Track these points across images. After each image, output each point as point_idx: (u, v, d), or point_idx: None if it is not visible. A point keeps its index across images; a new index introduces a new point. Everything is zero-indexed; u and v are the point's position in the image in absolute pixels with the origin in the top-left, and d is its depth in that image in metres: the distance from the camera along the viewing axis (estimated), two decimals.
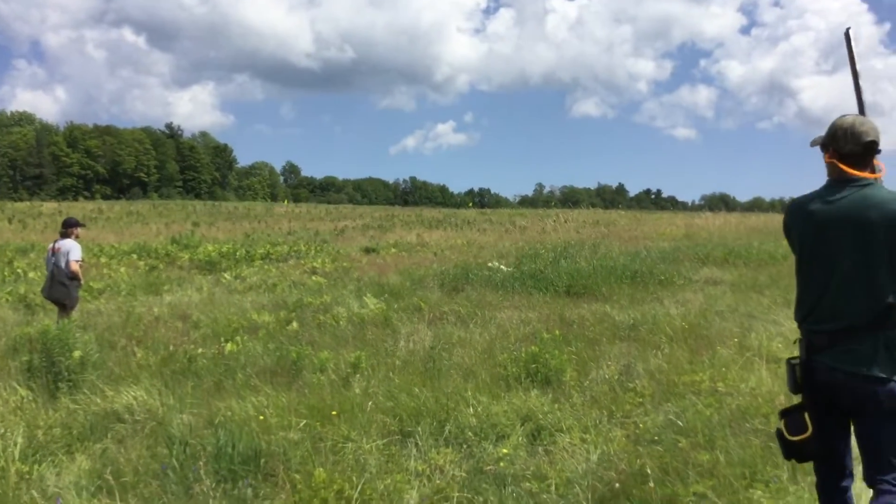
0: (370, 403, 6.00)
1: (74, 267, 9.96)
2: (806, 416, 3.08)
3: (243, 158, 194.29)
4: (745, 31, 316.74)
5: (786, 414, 3.20)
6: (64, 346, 6.65)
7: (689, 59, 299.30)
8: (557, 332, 8.56)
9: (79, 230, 10.64)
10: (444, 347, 8.47)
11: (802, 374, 3.12)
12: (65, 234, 10.38)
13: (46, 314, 11.48)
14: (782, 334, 8.52)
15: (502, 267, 16.84)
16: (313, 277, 16.28)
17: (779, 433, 3.19)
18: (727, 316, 9.99)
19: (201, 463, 4.30)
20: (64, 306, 10.15)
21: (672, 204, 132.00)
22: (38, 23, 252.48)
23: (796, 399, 3.25)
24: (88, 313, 11.31)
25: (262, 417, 5.50)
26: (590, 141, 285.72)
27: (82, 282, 10.57)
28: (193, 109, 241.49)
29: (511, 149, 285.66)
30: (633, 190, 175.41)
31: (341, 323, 10.33)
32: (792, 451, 3.15)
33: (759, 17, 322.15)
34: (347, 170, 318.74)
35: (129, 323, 10.01)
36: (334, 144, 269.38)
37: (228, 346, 8.36)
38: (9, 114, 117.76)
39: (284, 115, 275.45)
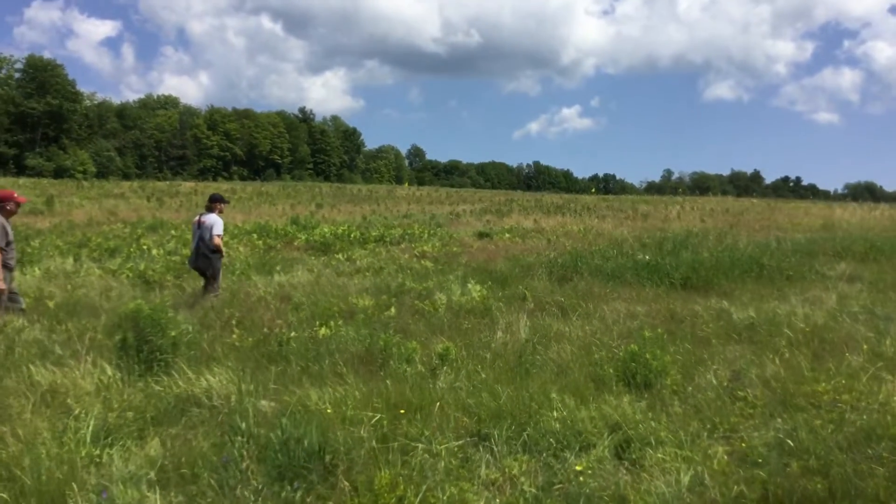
0: (449, 400, 5.69)
1: (217, 241, 10.63)
2: None
3: (371, 142, 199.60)
4: (895, 10, 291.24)
5: None
6: (156, 326, 6.71)
7: (833, 40, 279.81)
8: (661, 330, 7.91)
9: (223, 206, 11.22)
10: (539, 341, 8.04)
11: None
12: (210, 209, 11.04)
13: (164, 290, 11.94)
14: None
15: (646, 257, 16.01)
16: (421, 261, 16.15)
17: None
18: (861, 318, 8.97)
19: (246, 463, 4.11)
20: (208, 277, 10.80)
21: (812, 193, 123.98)
22: (183, 11, 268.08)
23: None
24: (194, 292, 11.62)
25: (333, 410, 5.29)
26: (723, 126, 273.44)
27: (224, 254, 11.18)
28: (326, 94, 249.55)
29: (638, 134, 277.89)
30: (770, 177, 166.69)
31: (440, 310, 10.07)
32: None
33: None
34: (471, 154, 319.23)
35: (234, 303, 10.15)
36: (459, 129, 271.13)
37: (322, 331, 8.28)
38: (155, 97, 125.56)
39: (412, 100, 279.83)
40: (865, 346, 7.30)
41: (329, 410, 5.39)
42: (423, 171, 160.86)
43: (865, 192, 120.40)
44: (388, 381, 6.18)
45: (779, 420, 5.25)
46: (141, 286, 12.15)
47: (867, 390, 5.89)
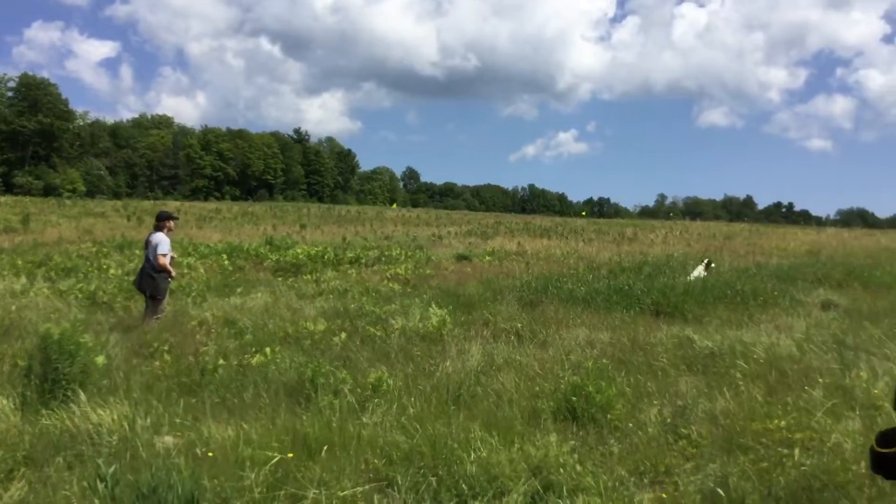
0: (367, 438, 5.21)
1: (161, 261, 10.23)
2: None
3: (369, 163, 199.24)
4: (888, 39, 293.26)
5: (882, 435, 2.91)
6: (64, 353, 6.23)
7: (826, 68, 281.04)
8: (618, 358, 7.45)
9: (171, 223, 10.82)
10: (486, 371, 7.58)
11: None
12: (157, 227, 10.68)
13: (111, 311, 11.45)
14: (890, 373, 7.09)
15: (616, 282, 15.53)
16: (390, 284, 15.68)
17: (870, 448, 2.91)
18: (829, 347, 8.52)
19: None
20: (153, 297, 10.34)
21: (804, 218, 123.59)
22: (182, 32, 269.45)
23: None
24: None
25: (232, 449, 4.80)
26: (716, 151, 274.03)
27: (174, 274, 10.74)
28: (323, 116, 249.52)
29: (633, 158, 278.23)
30: (763, 203, 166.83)
31: (392, 336, 9.60)
32: (880, 465, 2.88)
33: None
34: (467, 177, 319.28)
35: (175, 327, 9.65)
36: (456, 151, 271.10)
37: (256, 358, 7.79)
38: (149, 117, 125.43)
39: (409, 123, 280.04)
40: (826, 379, 6.85)
41: (233, 449, 4.91)
42: (417, 193, 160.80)
43: (858, 219, 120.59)
44: (304, 416, 5.70)
45: (717, 464, 4.77)
46: (89, 307, 11.66)
47: (822, 428, 5.44)
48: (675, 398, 6.42)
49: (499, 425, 5.54)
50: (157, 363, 7.49)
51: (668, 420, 5.72)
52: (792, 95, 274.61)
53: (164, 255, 10.29)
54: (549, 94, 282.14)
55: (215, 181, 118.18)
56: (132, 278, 14.82)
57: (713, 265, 17.86)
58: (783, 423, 5.55)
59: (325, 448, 4.96)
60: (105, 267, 16.01)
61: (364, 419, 5.81)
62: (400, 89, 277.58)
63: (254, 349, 8.22)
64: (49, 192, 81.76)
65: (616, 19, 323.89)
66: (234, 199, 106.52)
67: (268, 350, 7.99)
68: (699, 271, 16.95)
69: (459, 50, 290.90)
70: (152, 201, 66.00)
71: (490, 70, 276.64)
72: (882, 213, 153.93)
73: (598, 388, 6.06)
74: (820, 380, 6.78)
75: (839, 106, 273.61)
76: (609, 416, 5.89)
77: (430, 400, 6.44)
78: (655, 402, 6.30)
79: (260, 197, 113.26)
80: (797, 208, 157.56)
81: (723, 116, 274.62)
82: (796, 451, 4.97)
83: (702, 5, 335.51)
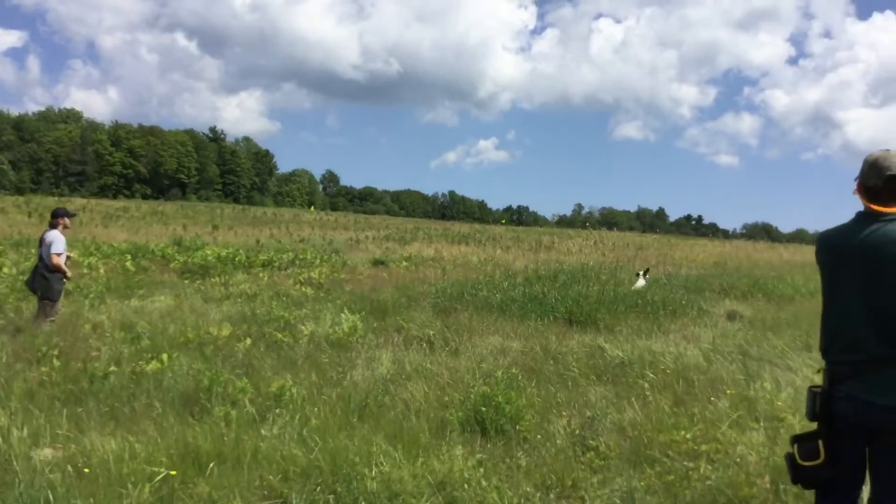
0: (265, 451, 4.91)
1: (55, 260, 9.65)
2: (820, 443, 3.08)
3: (288, 165, 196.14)
4: (792, 61, 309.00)
5: (798, 440, 3.19)
6: None
7: (734, 87, 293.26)
8: (527, 367, 7.36)
9: (67, 220, 10.28)
10: (395, 379, 7.36)
11: (822, 404, 3.11)
12: (53, 225, 10.06)
13: (0, 313, 10.70)
14: (793, 385, 7.22)
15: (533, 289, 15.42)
16: (302, 288, 15.28)
17: (789, 457, 3.19)
18: (734, 357, 8.68)
19: None
20: (46, 299, 9.75)
21: (713, 231, 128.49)
22: (94, 24, 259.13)
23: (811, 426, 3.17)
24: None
25: (99, 467, 4.42)
26: (631, 164, 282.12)
27: (69, 275, 10.13)
28: (241, 115, 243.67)
29: (552, 168, 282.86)
30: (674, 215, 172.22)
31: (300, 342, 9.28)
32: (800, 477, 3.16)
33: (808, 48, 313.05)
34: (387, 181, 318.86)
35: (67, 330, 9.05)
36: (376, 156, 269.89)
37: (151, 365, 7.33)
38: (56, 111, 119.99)
39: (329, 125, 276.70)
40: (732, 390, 6.92)
41: (117, 463, 4.53)
42: (336, 197, 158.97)
43: (763, 233, 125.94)
44: (197, 428, 5.34)
45: (624, 477, 4.69)
46: None
47: (727, 440, 5.45)
48: (584, 409, 6.36)
49: (404, 438, 5.33)
50: (44, 369, 6.94)
51: (577, 431, 5.63)
52: (702, 112, 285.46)
53: (59, 255, 9.72)
54: (471, 102, 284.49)
55: (125, 179, 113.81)
56: (26, 277, 14.00)
57: (648, 276, 17.91)
58: (689, 434, 5.55)
59: (217, 463, 4.65)
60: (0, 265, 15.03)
61: (263, 431, 5.50)
62: (320, 91, 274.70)
63: (149, 355, 7.75)
64: None
65: (536, 31, 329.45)
66: (145, 197, 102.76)
67: (164, 356, 7.54)
68: (641, 282, 17.01)
69: (381, 54, 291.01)
70: (56, 198, 62.95)
71: (412, 75, 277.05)
72: (785, 227, 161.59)
73: (507, 399, 5.94)
74: (726, 391, 6.84)
75: (746, 124, 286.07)
76: (518, 427, 5.76)
77: (334, 410, 6.17)
78: (565, 413, 6.21)
79: (172, 196, 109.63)
80: (706, 221, 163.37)
81: (637, 130, 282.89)
82: (702, 463, 4.95)
83: (618, 21, 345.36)
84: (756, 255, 34.57)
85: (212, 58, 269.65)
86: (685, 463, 4.99)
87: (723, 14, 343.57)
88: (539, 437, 5.55)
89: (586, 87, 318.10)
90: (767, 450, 5.11)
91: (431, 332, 9.80)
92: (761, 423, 6.03)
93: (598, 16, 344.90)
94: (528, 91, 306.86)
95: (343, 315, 11.16)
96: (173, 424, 5.53)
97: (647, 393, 6.80)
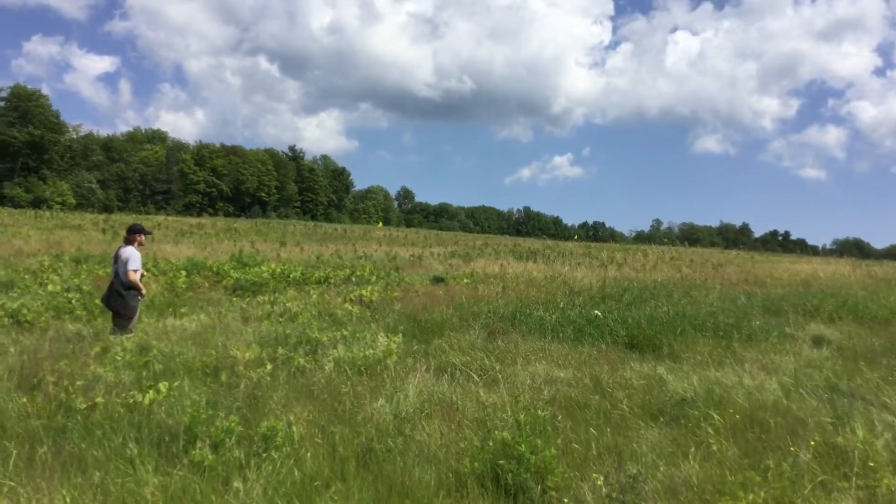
0: None
1: (132, 276, 9.46)
2: None
3: (364, 183, 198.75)
4: (879, 72, 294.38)
5: None
6: None
7: (818, 99, 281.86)
8: (556, 408, 6.31)
9: (142, 237, 9.96)
10: (418, 415, 6.43)
11: None
12: (128, 241, 9.82)
13: (29, 331, 10.30)
14: (892, 428, 5.93)
15: (595, 312, 14.37)
16: (351, 307, 14.51)
17: None
18: (820, 394, 7.37)
19: None
20: (121, 316, 9.55)
21: (801, 247, 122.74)
22: (181, 50, 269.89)
23: None
24: (68, 337, 9.99)
25: None
26: (712, 178, 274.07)
27: (144, 292, 9.90)
28: (320, 134, 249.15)
29: (628, 183, 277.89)
30: (759, 231, 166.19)
31: (326, 368, 8.45)
32: None
33: None
34: (462, 198, 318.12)
35: (75, 353, 8.47)
36: (451, 172, 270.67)
37: (147, 395, 6.60)
38: (143, 131, 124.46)
39: (405, 143, 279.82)
40: (817, 437, 5.69)
41: None
42: (412, 213, 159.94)
43: (854, 248, 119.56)
44: (155, 480, 4.53)
45: None
46: (8, 326, 10.54)
47: None
48: (630, 460, 5.26)
49: (409, 495, 4.39)
50: (23, 400, 6.30)
51: (614, 495, 4.54)
52: (785, 124, 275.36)
53: (136, 271, 9.46)
54: (544, 118, 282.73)
55: (209, 197, 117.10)
56: (71, 295, 13.75)
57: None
58: (760, 497, 4.42)
59: None
60: (46, 281, 14.84)
61: (236, 484, 4.64)
62: (396, 110, 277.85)
63: (148, 384, 7.04)
64: (38, 204, 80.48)
65: (611, 46, 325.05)
66: (228, 215, 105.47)
67: (161, 386, 6.80)
68: None
69: (455, 72, 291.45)
70: (134, 214, 64.72)
71: (485, 92, 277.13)
72: (878, 243, 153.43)
73: (531, 448, 4.92)
74: (811, 442, 5.61)
75: (832, 136, 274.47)
76: (544, 483, 4.74)
77: (333, 454, 5.29)
78: (604, 466, 5.13)
79: (253, 214, 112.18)
80: (793, 237, 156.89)
81: (717, 143, 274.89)
82: None
83: (695, 34, 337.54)
84: (855, 273, 32.06)
85: (292, 80, 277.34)
86: None
87: (804, 24, 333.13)
88: (566, 500, 4.49)
89: (662, 101, 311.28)
90: None
91: (470, 359, 8.81)
92: (853, 482, 4.85)
93: (674, 29, 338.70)
94: (602, 106, 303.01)
95: (383, 337, 10.35)
96: (132, 476, 4.74)
97: (711, 441, 5.64)
